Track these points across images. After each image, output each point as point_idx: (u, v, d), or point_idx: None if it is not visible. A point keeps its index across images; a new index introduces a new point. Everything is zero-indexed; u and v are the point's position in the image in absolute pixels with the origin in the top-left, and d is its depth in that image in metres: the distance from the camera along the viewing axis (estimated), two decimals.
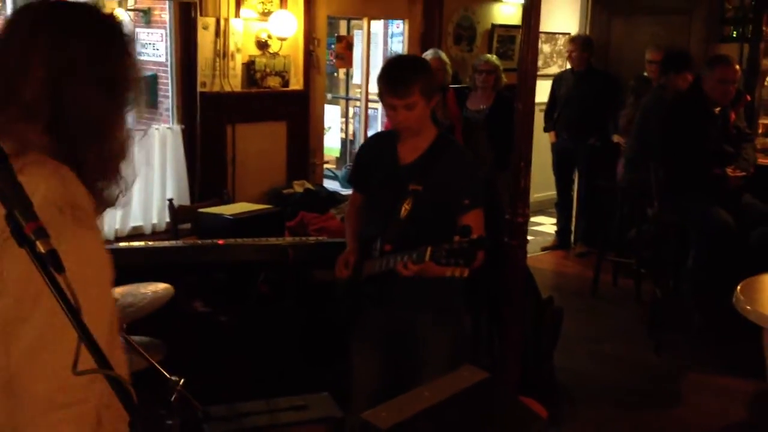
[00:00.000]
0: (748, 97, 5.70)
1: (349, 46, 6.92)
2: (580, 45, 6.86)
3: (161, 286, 2.94)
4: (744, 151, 5.36)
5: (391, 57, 3.33)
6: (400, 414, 1.62)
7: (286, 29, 5.57)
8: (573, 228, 7.47)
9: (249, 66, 5.56)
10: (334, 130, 9.84)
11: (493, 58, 6.06)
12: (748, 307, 3.13)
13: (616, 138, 6.61)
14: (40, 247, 1.14)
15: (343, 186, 8.15)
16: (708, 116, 5.21)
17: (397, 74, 2.86)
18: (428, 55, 5.30)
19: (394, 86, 2.81)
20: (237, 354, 3.77)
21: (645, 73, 6.59)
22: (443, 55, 5.33)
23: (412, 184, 2.86)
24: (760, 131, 6.56)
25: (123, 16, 8.87)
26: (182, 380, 2.71)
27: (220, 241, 3.77)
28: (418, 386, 1.96)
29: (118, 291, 2.91)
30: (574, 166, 7.20)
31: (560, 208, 7.47)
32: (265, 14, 5.53)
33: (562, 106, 7.00)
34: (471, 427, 1.72)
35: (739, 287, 3.31)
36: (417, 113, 2.83)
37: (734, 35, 6.77)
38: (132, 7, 8.69)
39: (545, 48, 8.52)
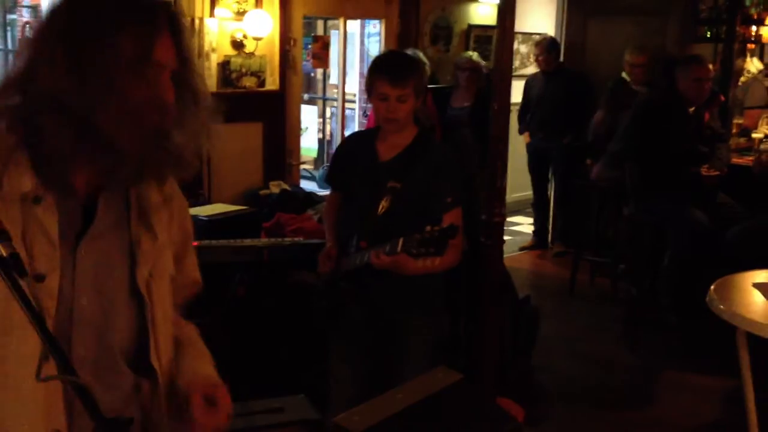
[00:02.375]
0: (722, 98, 5.74)
1: (326, 46, 6.90)
2: (545, 47, 6.94)
3: None
4: (718, 151, 5.41)
5: (385, 51, 3.32)
6: (373, 417, 1.61)
7: (262, 29, 5.53)
8: (550, 227, 7.50)
9: (224, 66, 5.52)
10: (312, 130, 9.82)
11: (475, 56, 6.09)
12: (722, 307, 3.14)
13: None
14: (2, 251, 1.12)
15: (320, 186, 8.13)
16: (682, 116, 5.24)
17: (395, 64, 2.88)
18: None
19: (392, 75, 2.80)
20: (213, 356, 3.73)
21: (624, 74, 6.62)
22: (422, 56, 5.34)
23: (390, 182, 2.86)
24: (734, 131, 6.62)
25: None
26: None
27: (195, 243, 3.74)
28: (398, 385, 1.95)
29: None
30: (550, 165, 7.24)
31: (537, 208, 7.50)
32: (240, 14, 5.49)
33: (535, 107, 7.05)
34: (445, 429, 1.71)
35: (712, 287, 3.33)
36: (407, 107, 2.82)
37: (708, 36, 6.83)
38: None
39: (522, 48, 8.55)
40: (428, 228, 2.46)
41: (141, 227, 1.53)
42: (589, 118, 6.70)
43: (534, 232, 7.58)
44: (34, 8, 11.19)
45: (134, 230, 1.52)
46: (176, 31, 1.46)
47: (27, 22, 11.56)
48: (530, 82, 7.20)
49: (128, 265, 1.51)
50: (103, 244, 1.47)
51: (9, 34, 12.91)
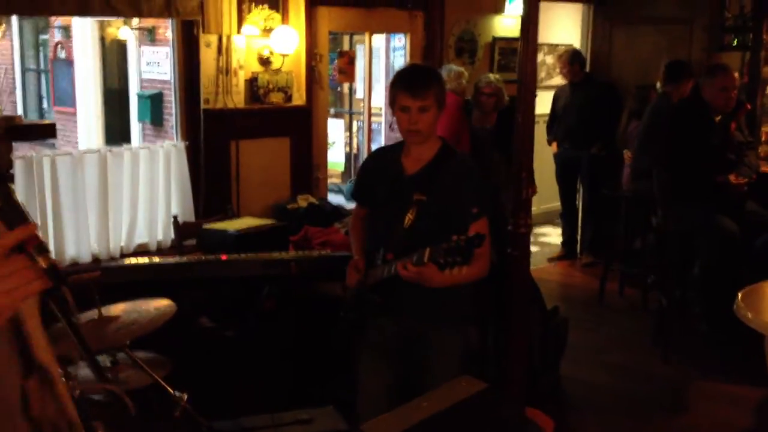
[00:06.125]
0: (749, 106, 5.71)
1: (351, 61, 6.96)
2: (567, 60, 6.95)
3: (164, 303, 2.96)
4: (746, 158, 5.37)
5: (406, 65, 3.33)
6: (398, 426, 1.63)
7: (288, 45, 5.60)
8: (579, 238, 7.47)
9: (252, 82, 5.59)
10: (339, 144, 9.88)
11: (495, 78, 5.94)
12: (749, 315, 3.12)
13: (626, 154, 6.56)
14: (42, 263, 1.16)
15: (347, 200, 8.17)
16: (709, 124, 5.22)
17: (415, 75, 2.92)
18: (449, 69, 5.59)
19: (412, 86, 2.84)
20: (242, 368, 3.78)
21: (657, 84, 6.59)
22: (455, 67, 5.50)
23: (416, 194, 2.88)
24: (762, 139, 6.57)
25: (128, 34, 8.94)
26: (186, 396, 2.73)
27: (224, 257, 3.79)
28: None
29: (122, 308, 2.94)
30: (578, 175, 7.23)
31: (565, 218, 7.48)
32: (267, 31, 5.56)
33: (562, 117, 7.05)
34: None
35: (740, 295, 3.30)
36: (428, 118, 2.85)
37: (735, 44, 6.79)
38: (137, 26, 8.75)
39: (548, 59, 8.55)
40: (454, 237, 2.48)
41: None
42: (617, 127, 6.69)
43: (563, 242, 7.56)
44: (66, 29, 11.40)
45: None
46: None
47: (58, 42, 11.78)
48: (558, 93, 7.22)
49: None
50: None
51: (41, 54, 13.16)
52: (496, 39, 7.58)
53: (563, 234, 7.58)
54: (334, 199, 7.36)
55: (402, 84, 2.88)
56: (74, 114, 10.60)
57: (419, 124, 2.85)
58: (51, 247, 4.58)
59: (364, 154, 7.48)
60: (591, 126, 6.86)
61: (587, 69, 7.18)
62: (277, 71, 5.70)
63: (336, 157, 9.58)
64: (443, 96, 2.92)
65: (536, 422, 2.39)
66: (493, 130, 5.86)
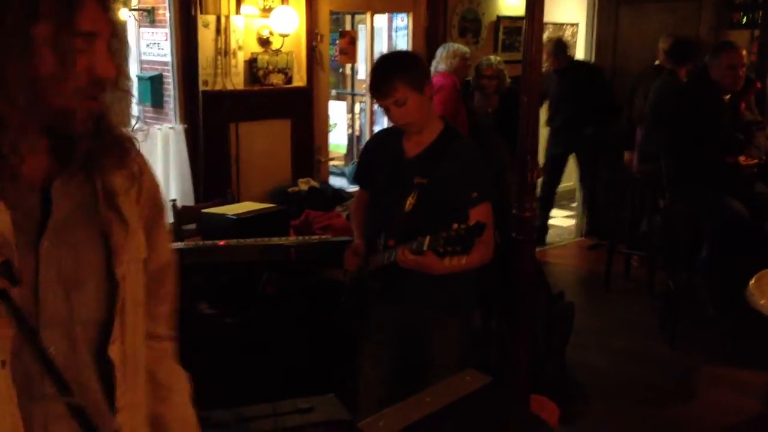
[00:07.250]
0: (759, 85, 5.61)
1: (353, 41, 6.85)
2: (551, 50, 6.86)
3: None
4: (756, 139, 5.28)
5: (379, 57, 3.15)
6: (400, 422, 1.56)
7: (288, 25, 5.50)
8: (584, 221, 7.41)
9: (251, 63, 5.50)
10: (341, 126, 9.78)
11: (497, 60, 5.82)
12: (762, 302, 3.05)
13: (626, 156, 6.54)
14: None
15: (349, 183, 8.09)
16: (718, 104, 5.13)
17: (377, 74, 2.84)
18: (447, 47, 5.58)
19: (375, 86, 2.80)
20: (242, 356, 3.72)
21: (657, 62, 6.51)
22: (456, 47, 5.40)
23: (417, 178, 2.82)
24: None
25: (126, 16, 8.83)
26: None
27: (221, 242, 3.72)
28: (427, 387, 1.91)
29: None
30: (566, 165, 7.15)
31: (542, 204, 7.30)
32: (267, 10, 5.47)
33: (554, 107, 6.99)
34: None
35: (752, 281, 3.22)
36: (410, 108, 2.78)
37: (744, 21, 6.69)
38: (136, 7, 8.63)
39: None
40: (455, 226, 2.41)
41: (110, 212, 1.38)
42: (610, 107, 6.65)
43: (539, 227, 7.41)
44: None
45: (104, 217, 1.38)
46: None
47: None
48: (547, 82, 7.06)
49: (102, 254, 1.37)
50: (68, 234, 1.32)
51: None
52: (500, 18, 7.47)
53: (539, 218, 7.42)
54: (336, 182, 7.29)
55: (369, 85, 2.85)
56: None
57: (403, 118, 2.80)
58: None
59: (367, 136, 7.40)
60: (581, 111, 6.81)
61: (593, 49, 7.10)
62: (277, 52, 5.61)
63: (338, 140, 9.48)
64: (419, 79, 2.79)
65: (541, 415, 2.32)
66: (496, 114, 5.77)
